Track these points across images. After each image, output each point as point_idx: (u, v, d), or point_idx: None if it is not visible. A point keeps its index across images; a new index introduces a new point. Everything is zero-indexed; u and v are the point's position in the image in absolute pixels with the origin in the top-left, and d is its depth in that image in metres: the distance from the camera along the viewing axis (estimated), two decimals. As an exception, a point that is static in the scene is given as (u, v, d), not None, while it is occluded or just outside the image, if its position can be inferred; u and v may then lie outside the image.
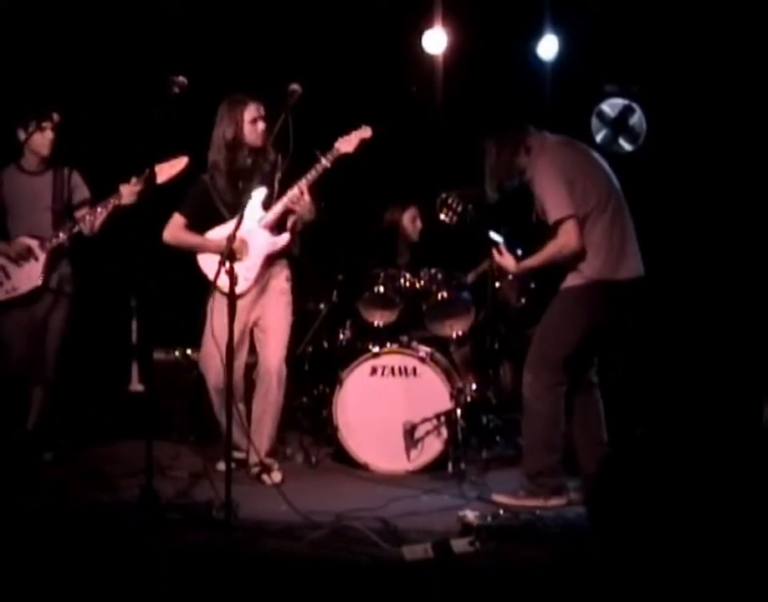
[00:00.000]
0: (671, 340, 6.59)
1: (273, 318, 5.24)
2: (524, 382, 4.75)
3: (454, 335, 6.16)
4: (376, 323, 6.07)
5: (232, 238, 4.29)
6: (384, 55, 6.97)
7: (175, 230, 5.27)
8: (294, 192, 5.07)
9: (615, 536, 3.68)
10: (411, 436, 5.47)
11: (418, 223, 6.61)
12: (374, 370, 5.60)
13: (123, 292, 6.63)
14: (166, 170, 5.13)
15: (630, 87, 7.11)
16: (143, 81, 5.58)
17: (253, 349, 5.36)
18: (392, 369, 5.58)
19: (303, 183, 5.06)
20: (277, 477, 5.12)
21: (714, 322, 6.57)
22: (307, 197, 5.10)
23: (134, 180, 5.29)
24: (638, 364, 6.27)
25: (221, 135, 5.17)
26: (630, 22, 6.66)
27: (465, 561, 3.76)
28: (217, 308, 4.70)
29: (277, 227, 5.21)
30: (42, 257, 5.46)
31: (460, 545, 3.81)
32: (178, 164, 5.18)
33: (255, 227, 5.12)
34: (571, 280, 4.67)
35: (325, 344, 6.53)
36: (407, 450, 5.48)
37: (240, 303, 4.32)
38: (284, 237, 5.22)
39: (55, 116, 5.48)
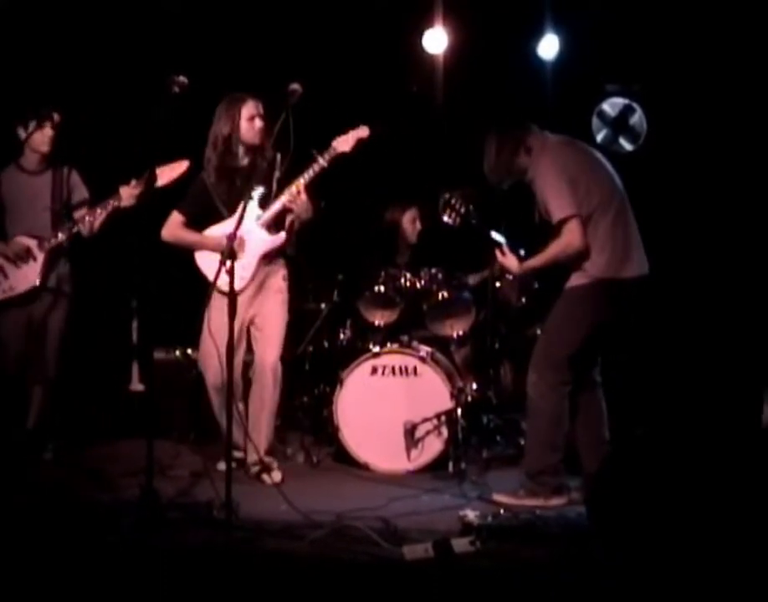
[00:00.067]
0: (671, 339, 6.59)
1: (269, 316, 5.24)
2: (529, 381, 4.75)
3: (455, 335, 6.16)
4: (376, 323, 6.07)
5: (232, 237, 4.29)
6: (384, 55, 6.97)
7: (173, 228, 5.28)
8: (291, 191, 5.07)
9: (616, 535, 3.68)
10: (411, 436, 5.47)
11: (418, 225, 6.61)
12: (374, 370, 5.60)
13: (123, 291, 6.63)
14: (167, 173, 5.13)
15: (630, 86, 7.11)
16: (143, 81, 5.59)
17: (250, 348, 5.36)
18: (393, 368, 5.58)
19: (300, 182, 5.06)
20: (277, 476, 5.12)
21: (714, 321, 6.57)
22: (304, 196, 5.10)
23: (133, 182, 5.30)
24: (639, 363, 6.27)
25: (217, 131, 5.18)
26: (630, 22, 6.66)
27: (466, 561, 3.75)
28: (215, 307, 4.70)
29: (274, 226, 5.21)
30: (40, 257, 5.46)
31: (461, 545, 3.81)
32: (179, 167, 5.19)
33: (252, 226, 5.11)
34: (576, 279, 4.67)
35: (326, 344, 6.53)
36: (408, 449, 5.48)
37: (236, 301, 4.31)
38: (281, 236, 5.22)
39: (56, 116, 5.48)
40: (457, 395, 5.50)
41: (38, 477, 5.18)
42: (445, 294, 6.04)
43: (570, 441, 4.77)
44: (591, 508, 4.05)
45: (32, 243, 5.45)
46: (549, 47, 7.02)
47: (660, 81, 6.89)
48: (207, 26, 6.72)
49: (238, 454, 5.19)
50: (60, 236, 5.45)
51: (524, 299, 6.31)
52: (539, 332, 6.07)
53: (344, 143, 5.10)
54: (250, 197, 4.85)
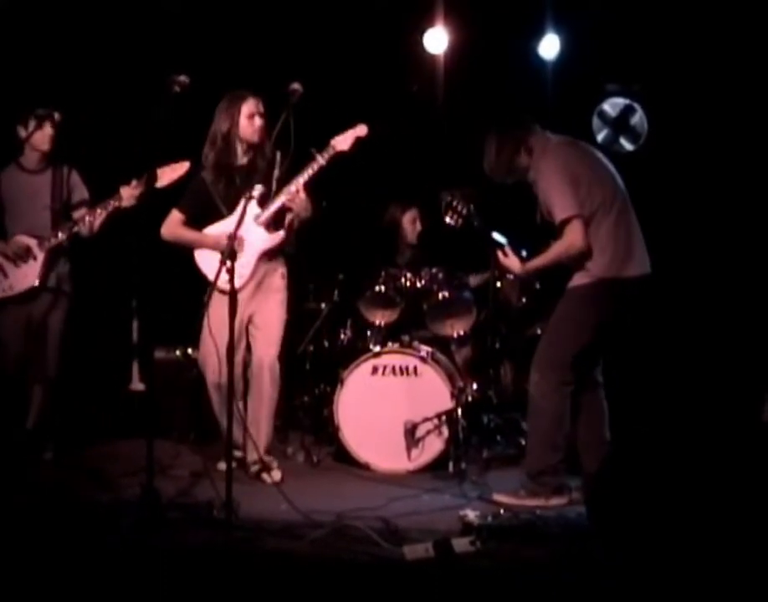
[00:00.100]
0: (672, 339, 6.59)
1: (266, 315, 5.24)
2: (532, 381, 4.75)
3: (455, 335, 6.17)
4: (377, 323, 6.07)
5: (233, 237, 4.29)
6: (385, 54, 6.97)
7: (173, 226, 5.29)
8: (290, 190, 5.07)
9: (616, 535, 3.68)
10: (412, 436, 5.47)
11: (418, 225, 6.62)
12: (375, 370, 5.60)
13: (124, 291, 6.63)
14: (168, 174, 5.14)
15: (631, 86, 7.11)
16: (144, 81, 5.58)
17: (250, 347, 5.35)
18: (393, 368, 5.58)
19: (299, 181, 5.07)
20: (277, 475, 5.12)
21: (714, 320, 6.57)
22: (303, 195, 5.10)
23: (134, 182, 5.30)
24: (639, 362, 6.27)
25: (217, 128, 5.19)
26: (631, 22, 6.66)
27: (466, 560, 3.75)
28: (215, 306, 4.69)
29: (273, 225, 5.21)
30: (40, 256, 5.45)
31: (461, 545, 3.81)
32: (180, 169, 5.19)
33: (251, 224, 5.11)
34: (578, 279, 4.67)
35: (326, 344, 6.54)
36: (408, 449, 5.48)
37: (237, 301, 4.31)
38: (279, 234, 5.22)
39: (56, 115, 5.47)
40: (457, 394, 5.50)
41: (38, 476, 5.18)
42: (446, 294, 6.05)
43: (571, 441, 4.76)
44: (591, 508, 4.05)
45: (32, 242, 5.45)
46: (549, 47, 7.02)
47: (661, 81, 6.89)
48: (207, 26, 6.72)
49: (238, 454, 5.19)
50: (60, 235, 5.45)
51: (524, 299, 6.31)
52: (539, 332, 6.09)
53: (342, 142, 5.10)
54: (251, 197, 4.85)
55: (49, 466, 5.49)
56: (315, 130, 5.06)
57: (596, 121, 7.11)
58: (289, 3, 6.77)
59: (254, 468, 5.16)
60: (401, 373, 5.57)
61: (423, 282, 6.09)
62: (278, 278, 5.30)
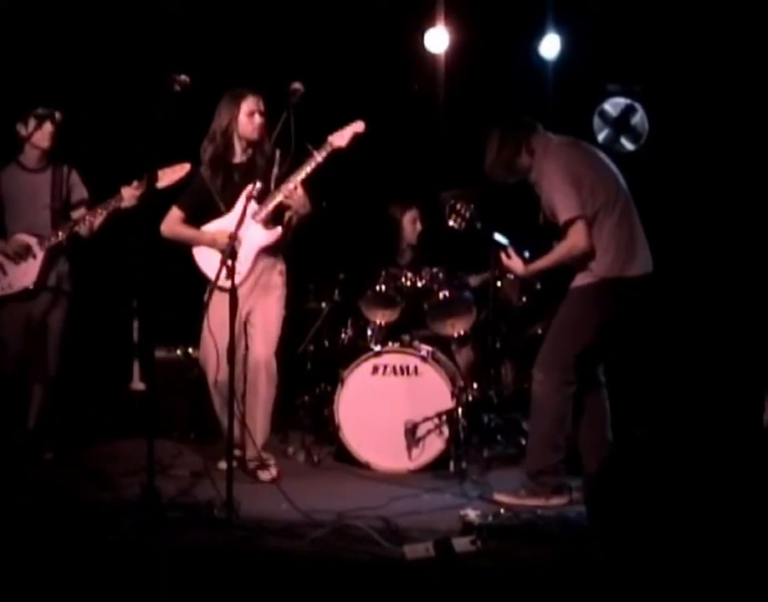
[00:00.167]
0: (672, 339, 6.59)
1: (263, 312, 5.24)
2: (535, 380, 4.75)
3: (456, 334, 6.17)
4: (377, 322, 6.07)
5: (234, 236, 4.29)
6: (386, 54, 6.97)
7: (172, 223, 5.30)
8: (287, 187, 5.07)
9: (615, 536, 3.68)
10: (412, 435, 5.47)
11: (418, 225, 6.62)
12: (375, 369, 5.60)
13: (124, 291, 6.63)
14: (168, 175, 5.16)
15: (632, 86, 7.11)
16: (144, 80, 5.58)
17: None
18: (394, 368, 5.58)
19: (296, 178, 5.07)
20: (273, 473, 5.11)
21: (715, 321, 6.56)
22: (301, 191, 5.11)
23: (135, 183, 5.31)
24: (639, 363, 6.26)
25: (216, 124, 5.21)
26: (632, 22, 6.66)
27: (466, 560, 3.75)
28: (214, 305, 4.69)
29: (271, 222, 5.22)
30: (40, 255, 5.45)
31: (461, 544, 3.81)
32: (180, 170, 5.21)
33: (249, 221, 5.10)
34: (581, 279, 4.67)
35: (327, 343, 6.54)
36: (409, 449, 5.48)
37: (237, 300, 4.30)
38: (277, 231, 5.22)
39: (57, 114, 5.47)
40: (458, 394, 5.50)
41: (38, 476, 5.18)
42: (446, 294, 6.05)
43: (572, 441, 4.76)
44: (591, 509, 4.05)
45: (32, 241, 5.45)
46: (550, 47, 7.02)
47: (661, 81, 6.89)
48: (207, 25, 6.72)
49: (238, 453, 5.19)
50: (60, 234, 5.45)
51: (524, 299, 6.32)
52: (540, 331, 6.11)
53: (340, 138, 5.10)
54: (252, 195, 4.85)
55: (49, 465, 5.48)
56: (316, 130, 5.06)
57: (596, 121, 7.11)
58: (289, 3, 6.77)
59: (251, 465, 5.16)
60: (402, 372, 5.57)
61: (424, 281, 6.09)
62: (276, 275, 5.30)
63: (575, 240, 4.59)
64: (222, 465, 4.69)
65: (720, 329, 6.54)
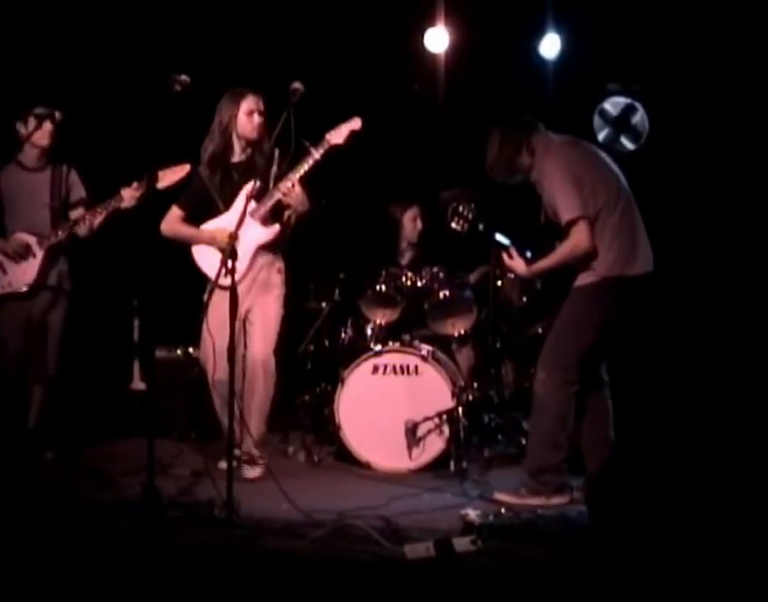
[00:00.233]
0: (673, 339, 6.58)
1: (261, 310, 5.25)
2: (537, 379, 4.75)
3: (456, 334, 6.17)
4: (377, 322, 6.07)
5: (234, 236, 4.29)
6: (386, 54, 6.97)
7: (172, 222, 5.33)
8: (285, 184, 5.08)
9: (616, 535, 3.68)
10: (412, 435, 5.47)
11: (419, 224, 6.62)
12: (376, 369, 5.60)
13: (125, 290, 6.62)
14: (168, 176, 5.16)
15: (632, 85, 7.11)
16: (144, 80, 5.58)
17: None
18: (394, 367, 5.58)
19: (294, 175, 5.07)
20: (257, 472, 5.10)
21: (715, 320, 6.56)
22: (299, 189, 5.11)
23: (135, 184, 5.32)
24: (640, 362, 6.26)
25: (216, 123, 5.23)
26: (632, 21, 6.66)
27: (467, 560, 3.75)
28: (213, 303, 4.68)
29: (270, 220, 5.22)
30: (39, 254, 5.46)
31: (462, 544, 3.81)
32: (180, 171, 5.22)
33: (247, 219, 5.10)
34: (584, 278, 4.66)
35: (327, 343, 6.54)
36: (409, 448, 5.48)
37: (237, 299, 4.30)
38: (275, 229, 5.22)
39: (57, 114, 5.46)
40: (458, 394, 5.49)
41: (38, 476, 5.17)
42: (446, 293, 6.05)
43: (574, 440, 4.76)
44: (592, 508, 4.05)
45: (31, 240, 5.45)
46: (550, 46, 7.02)
47: (662, 80, 6.89)
48: (207, 25, 6.72)
49: (239, 452, 5.18)
50: (60, 234, 5.45)
51: (525, 298, 6.32)
52: (540, 331, 6.11)
53: (337, 135, 5.10)
54: (252, 195, 4.85)
55: (50, 465, 5.48)
56: (316, 130, 5.07)
57: (597, 120, 7.10)
58: (289, 3, 6.76)
59: (241, 458, 5.15)
60: (402, 372, 5.57)
61: (424, 281, 6.09)
62: (275, 273, 5.31)
63: (577, 240, 4.59)
64: (223, 464, 4.69)
65: (721, 328, 6.54)
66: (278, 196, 5.12)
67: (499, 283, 6.28)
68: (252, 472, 5.10)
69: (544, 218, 4.80)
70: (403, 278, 6.09)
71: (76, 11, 6.45)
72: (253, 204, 5.09)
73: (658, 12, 6.60)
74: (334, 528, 4.09)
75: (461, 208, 4.88)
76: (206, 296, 4.96)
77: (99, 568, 3.66)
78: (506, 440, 6.00)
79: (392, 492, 4.88)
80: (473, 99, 6.93)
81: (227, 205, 5.22)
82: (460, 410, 5.46)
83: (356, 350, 5.89)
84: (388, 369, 5.58)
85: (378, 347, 5.69)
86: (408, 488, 5.03)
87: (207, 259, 5.21)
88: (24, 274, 5.44)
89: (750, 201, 6.55)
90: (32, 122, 5.45)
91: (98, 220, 5.43)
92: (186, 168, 5.23)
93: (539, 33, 7.01)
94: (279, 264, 5.35)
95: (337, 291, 6.49)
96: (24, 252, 5.44)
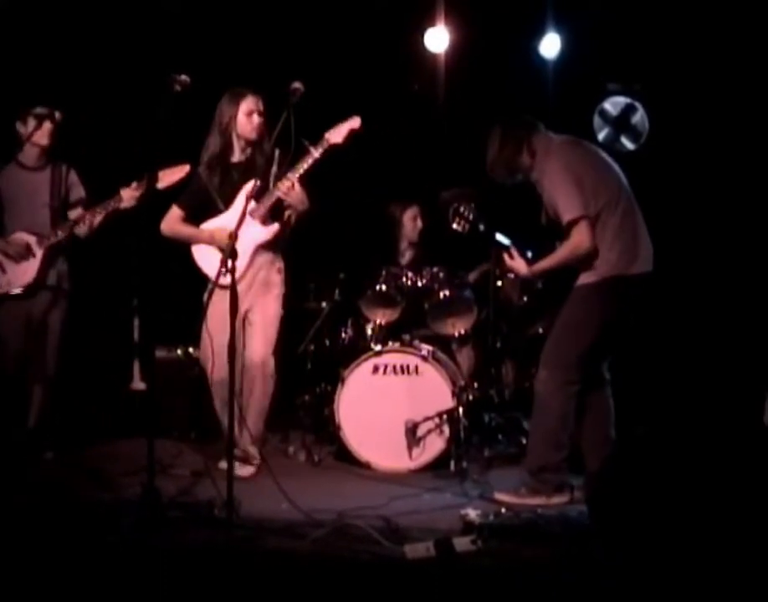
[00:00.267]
0: (673, 338, 6.58)
1: (260, 310, 5.25)
2: (539, 378, 4.74)
3: (456, 334, 6.17)
4: (378, 322, 6.07)
5: (234, 236, 4.29)
6: (386, 54, 6.97)
7: (172, 222, 5.34)
8: (284, 183, 5.08)
9: (617, 535, 3.67)
10: (413, 435, 5.46)
11: (419, 223, 6.62)
12: (376, 369, 5.60)
13: (125, 290, 6.63)
14: (168, 177, 5.17)
15: (632, 85, 7.11)
16: (144, 80, 5.58)
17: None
18: (394, 367, 5.58)
19: (293, 174, 5.08)
20: (249, 470, 5.09)
21: (715, 320, 6.56)
22: (298, 188, 5.12)
23: (134, 184, 5.33)
24: (640, 361, 6.26)
25: (216, 123, 5.24)
26: (632, 21, 6.66)
27: (467, 560, 3.75)
28: (212, 302, 4.68)
29: (270, 219, 5.23)
30: (39, 253, 5.46)
31: (462, 544, 3.80)
32: (180, 171, 5.22)
33: (246, 218, 5.10)
34: (585, 278, 4.66)
35: (327, 343, 6.53)
36: (409, 448, 5.48)
37: (228, 294, 4.30)
38: (274, 228, 5.23)
39: (57, 114, 5.46)
40: (458, 393, 5.49)
41: (38, 476, 5.17)
42: (447, 293, 6.05)
43: (575, 439, 4.76)
44: (593, 508, 4.05)
45: (31, 240, 5.45)
46: (550, 46, 7.02)
47: (662, 80, 6.89)
48: (207, 25, 6.72)
49: (239, 452, 5.18)
50: (60, 234, 5.45)
51: (525, 298, 6.32)
52: (540, 331, 6.11)
53: (336, 134, 5.11)
54: (252, 195, 4.85)
55: (50, 465, 5.48)
56: (316, 130, 5.06)
57: (597, 120, 7.11)
58: (289, 3, 6.76)
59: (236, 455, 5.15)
60: (402, 372, 5.57)
61: (424, 281, 6.09)
62: (274, 272, 5.32)
63: (578, 240, 4.58)
64: (223, 464, 4.68)
65: (721, 327, 6.54)
66: (277, 195, 5.12)
67: (500, 282, 6.28)
68: (243, 470, 5.09)
69: (544, 218, 4.80)
70: (403, 278, 6.09)
71: (76, 11, 6.45)
72: (252, 203, 5.09)
73: (658, 12, 6.60)
74: (334, 527, 4.08)
75: (462, 209, 4.88)
76: (205, 296, 4.97)
77: (99, 568, 3.66)
78: (506, 440, 6.00)
79: (392, 491, 4.88)
80: (473, 99, 6.93)
81: (227, 205, 5.24)
82: (460, 409, 5.46)
83: (356, 350, 5.89)
84: (388, 369, 5.58)
85: (378, 347, 5.68)
86: (408, 488, 5.03)
87: (206, 259, 5.22)
88: (24, 274, 5.44)
89: (749, 201, 6.55)
90: (31, 122, 5.45)
91: (97, 220, 5.43)
92: (186, 168, 5.24)
93: (539, 33, 7.01)
94: (279, 264, 5.35)
95: (337, 291, 6.49)
96: (25, 253, 5.43)
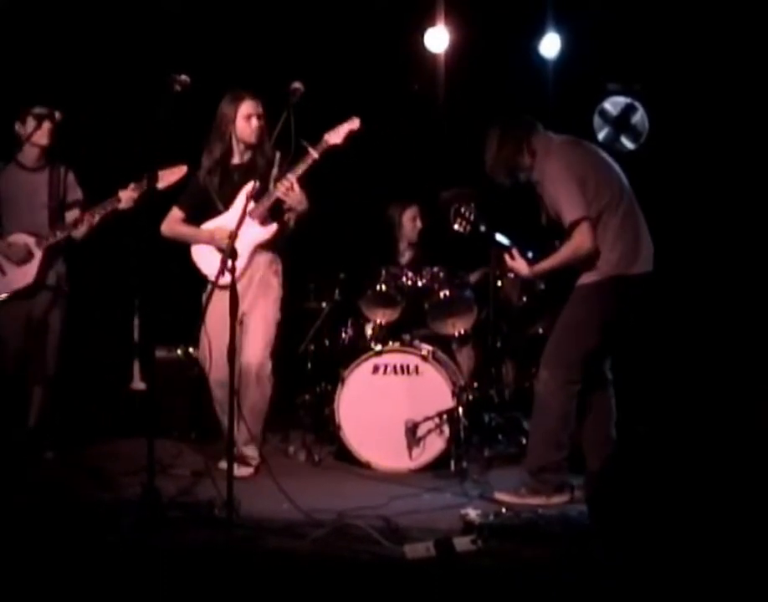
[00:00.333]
0: (673, 338, 6.58)
1: (257, 313, 5.25)
2: (540, 378, 4.74)
3: (456, 334, 6.17)
4: (378, 322, 6.07)
5: (234, 235, 4.29)
6: (386, 53, 6.97)
7: (171, 223, 5.36)
8: (283, 184, 5.08)
9: (617, 535, 3.67)
10: (413, 435, 5.46)
11: (418, 223, 6.62)
12: (376, 369, 5.59)
13: (125, 290, 6.63)
14: (166, 177, 5.18)
15: (632, 85, 7.11)
16: (144, 80, 5.58)
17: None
18: (394, 367, 5.58)
19: (292, 175, 5.08)
20: (242, 472, 5.09)
21: (716, 319, 6.56)
22: (297, 188, 5.12)
23: (132, 185, 5.33)
24: (641, 361, 6.26)
25: (216, 126, 5.25)
26: (632, 21, 6.66)
27: (467, 559, 3.74)
28: (211, 302, 4.68)
29: (268, 219, 5.23)
30: (38, 254, 5.45)
31: (462, 543, 3.80)
32: (178, 172, 5.23)
33: (246, 218, 5.10)
34: (586, 278, 4.66)
35: (327, 343, 6.53)
36: (409, 448, 5.48)
37: (226, 294, 4.30)
38: (272, 228, 5.23)
39: (57, 114, 5.46)
40: (458, 393, 5.49)
41: (38, 476, 5.17)
42: (447, 293, 6.05)
43: (575, 439, 4.76)
44: (593, 507, 4.05)
45: (30, 241, 5.45)
46: (550, 46, 7.03)
47: (662, 80, 6.89)
48: (207, 25, 6.72)
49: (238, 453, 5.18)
50: (59, 234, 5.45)
51: (525, 298, 6.31)
52: (540, 331, 6.11)
53: (335, 135, 5.12)
54: (252, 195, 4.85)
55: (50, 465, 5.48)
56: (316, 130, 5.07)
57: (597, 120, 7.11)
58: (289, 3, 6.76)
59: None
60: (403, 372, 5.57)
61: (424, 280, 6.09)
62: (272, 274, 5.32)
63: (580, 241, 4.58)
64: (223, 464, 4.68)
65: (722, 327, 6.54)
66: (277, 195, 5.13)
67: (500, 282, 6.28)
68: (240, 471, 5.08)
69: (544, 218, 4.80)
70: (403, 278, 6.09)
71: (76, 11, 6.45)
72: (252, 204, 5.09)
73: (658, 12, 6.60)
74: (334, 527, 4.08)
75: (463, 209, 4.88)
76: (204, 297, 4.97)
77: (99, 568, 3.66)
78: (506, 439, 5.99)
79: (392, 491, 4.88)
80: (473, 99, 6.93)
81: (227, 205, 5.25)
82: (460, 409, 5.46)
83: (356, 350, 5.88)
84: (388, 368, 5.58)
85: (378, 347, 5.68)
86: (408, 488, 5.03)
87: (205, 259, 5.23)
88: (24, 275, 5.44)
89: (749, 201, 6.55)
90: (31, 122, 5.45)
91: (95, 221, 5.43)
92: (183, 169, 5.25)
93: (539, 33, 7.02)
94: (277, 266, 5.35)
95: (337, 291, 6.49)
96: (25, 256, 5.43)
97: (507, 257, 4.86)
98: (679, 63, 6.72)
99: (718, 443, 3.94)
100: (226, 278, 4.27)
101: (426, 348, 5.66)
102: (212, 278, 4.94)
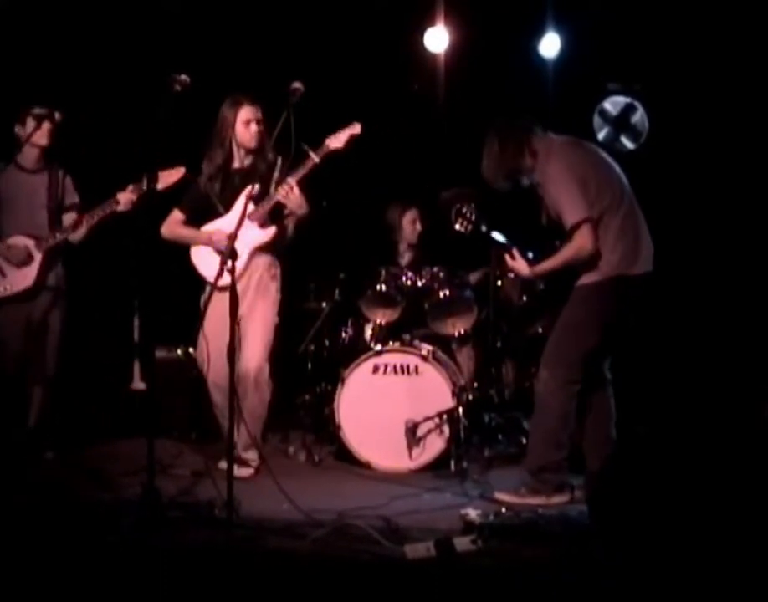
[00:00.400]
0: (673, 338, 6.58)
1: (255, 316, 5.24)
2: (540, 378, 4.74)
3: (456, 334, 6.17)
4: (378, 322, 6.07)
5: (233, 237, 4.29)
6: (385, 54, 6.97)
7: (172, 225, 5.37)
8: (283, 187, 5.09)
9: (617, 535, 3.67)
10: (413, 435, 5.46)
11: (418, 226, 6.62)
12: (376, 369, 5.59)
13: (125, 290, 6.63)
14: (164, 179, 5.17)
15: (632, 85, 7.11)
16: (144, 80, 5.58)
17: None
18: (394, 367, 5.58)
19: (292, 178, 5.08)
20: (241, 472, 5.08)
21: (716, 319, 6.56)
22: (297, 191, 5.12)
23: (131, 187, 5.33)
24: (641, 361, 6.26)
25: (216, 131, 5.26)
26: (632, 21, 6.66)
27: (467, 559, 3.75)
28: (210, 304, 4.68)
29: (268, 222, 5.24)
30: (38, 256, 5.46)
31: (462, 543, 3.80)
32: (176, 173, 5.23)
33: (245, 221, 5.10)
34: (587, 278, 4.66)
35: (327, 343, 6.53)
36: (409, 448, 5.48)
37: (225, 296, 4.30)
38: (271, 230, 5.24)
39: (57, 115, 5.46)
40: (458, 393, 5.49)
41: (38, 476, 5.17)
42: (447, 293, 6.05)
43: (575, 439, 4.76)
44: (593, 507, 4.05)
45: (30, 243, 5.45)
46: (550, 45, 7.03)
47: (661, 79, 6.89)
48: (207, 25, 6.72)
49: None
50: (58, 236, 5.46)
51: (525, 298, 6.31)
52: (540, 331, 6.11)
53: (336, 140, 5.12)
54: (252, 197, 4.85)
55: (50, 465, 5.48)
56: (316, 130, 5.06)
57: (596, 120, 7.11)
58: (289, 3, 6.76)
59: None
60: (403, 372, 5.57)
61: (424, 280, 6.09)
62: (270, 277, 5.33)
63: (581, 243, 4.58)
64: (223, 465, 4.68)
65: (722, 326, 6.54)
66: (276, 198, 5.13)
67: (500, 282, 6.28)
68: (240, 472, 5.06)
69: (545, 219, 4.79)
70: (403, 278, 6.09)
71: (76, 11, 6.45)
72: (251, 206, 5.10)
73: (658, 12, 6.60)
74: (334, 527, 4.08)
75: (464, 210, 4.88)
76: (203, 299, 4.97)
77: (99, 568, 3.66)
78: (506, 439, 6.00)
79: (393, 491, 4.88)
80: (473, 99, 6.93)
81: (227, 208, 5.25)
82: (460, 409, 5.46)
83: (356, 350, 5.89)
84: (388, 368, 5.58)
85: (378, 347, 5.68)
86: (408, 488, 5.03)
87: (204, 261, 5.24)
88: (24, 277, 5.44)
89: (749, 201, 6.55)
90: (30, 122, 5.45)
91: (93, 224, 5.43)
92: (181, 171, 5.25)
93: (539, 33, 7.02)
94: (276, 270, 5.36)
95: (337, 291, 6.49)
96: (26, 259, 5.43)
97: (507, 257, 4.86)
98: (679, 63, 6.72)
99: (718, 443, 3.94)
100: (225, 280, 4.28)
101: (426, 348, 5.66)
102: (210, 279, 4.95)
